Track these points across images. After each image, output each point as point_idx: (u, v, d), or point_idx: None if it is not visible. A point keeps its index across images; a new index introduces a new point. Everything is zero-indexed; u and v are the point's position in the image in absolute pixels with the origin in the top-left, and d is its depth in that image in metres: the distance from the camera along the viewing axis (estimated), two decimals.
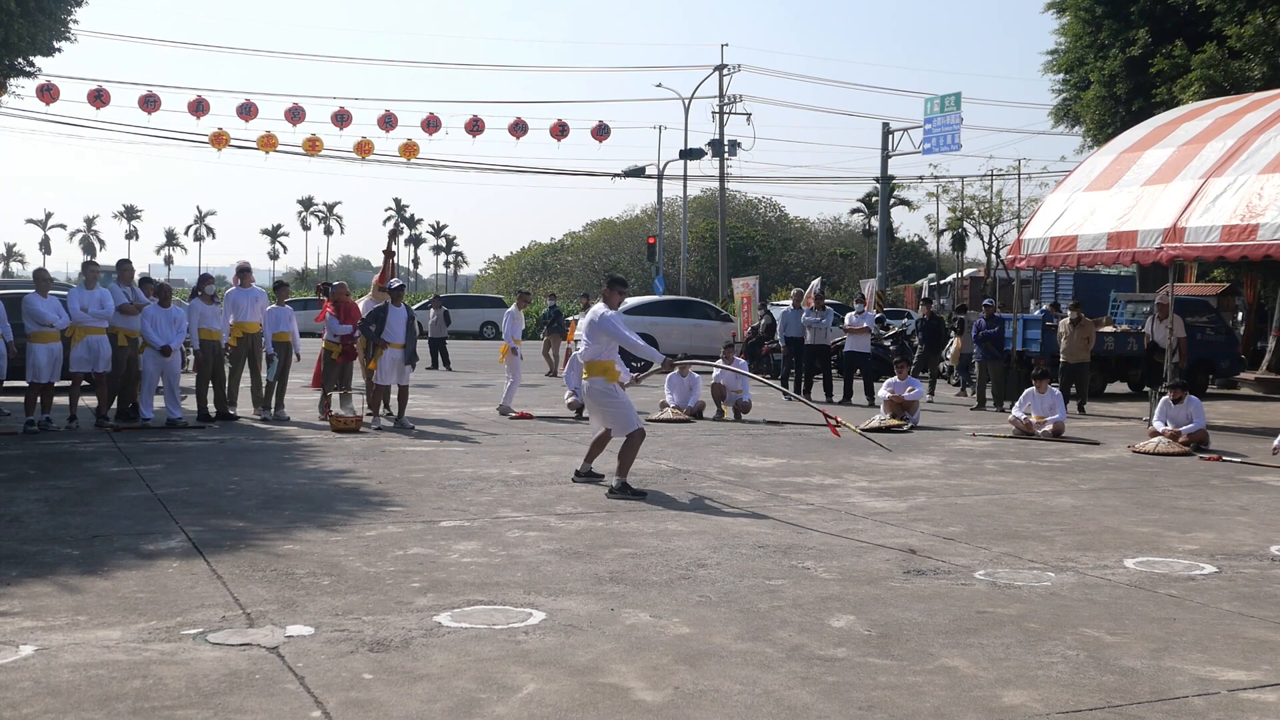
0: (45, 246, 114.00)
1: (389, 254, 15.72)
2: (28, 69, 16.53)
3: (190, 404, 13.64)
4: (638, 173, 46.32)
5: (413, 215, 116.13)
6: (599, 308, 9.12)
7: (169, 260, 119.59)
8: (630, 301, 25.01)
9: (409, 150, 34.22)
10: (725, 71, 44.80)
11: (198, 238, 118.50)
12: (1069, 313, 17.35)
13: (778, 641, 5.02)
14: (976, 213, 51.37)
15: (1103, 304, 26.29)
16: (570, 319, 22.82)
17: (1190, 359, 18.69)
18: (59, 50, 16.03)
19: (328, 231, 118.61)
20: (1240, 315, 27.36)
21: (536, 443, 12.05)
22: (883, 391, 14.81)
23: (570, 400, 15.05)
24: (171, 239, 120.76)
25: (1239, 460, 11.62)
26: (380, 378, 13.49)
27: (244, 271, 14.28)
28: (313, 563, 6.35)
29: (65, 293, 13.26)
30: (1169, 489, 9.71)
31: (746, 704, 4.23)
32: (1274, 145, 14.05)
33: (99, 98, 31.07)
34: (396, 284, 14.18)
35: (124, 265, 13.48)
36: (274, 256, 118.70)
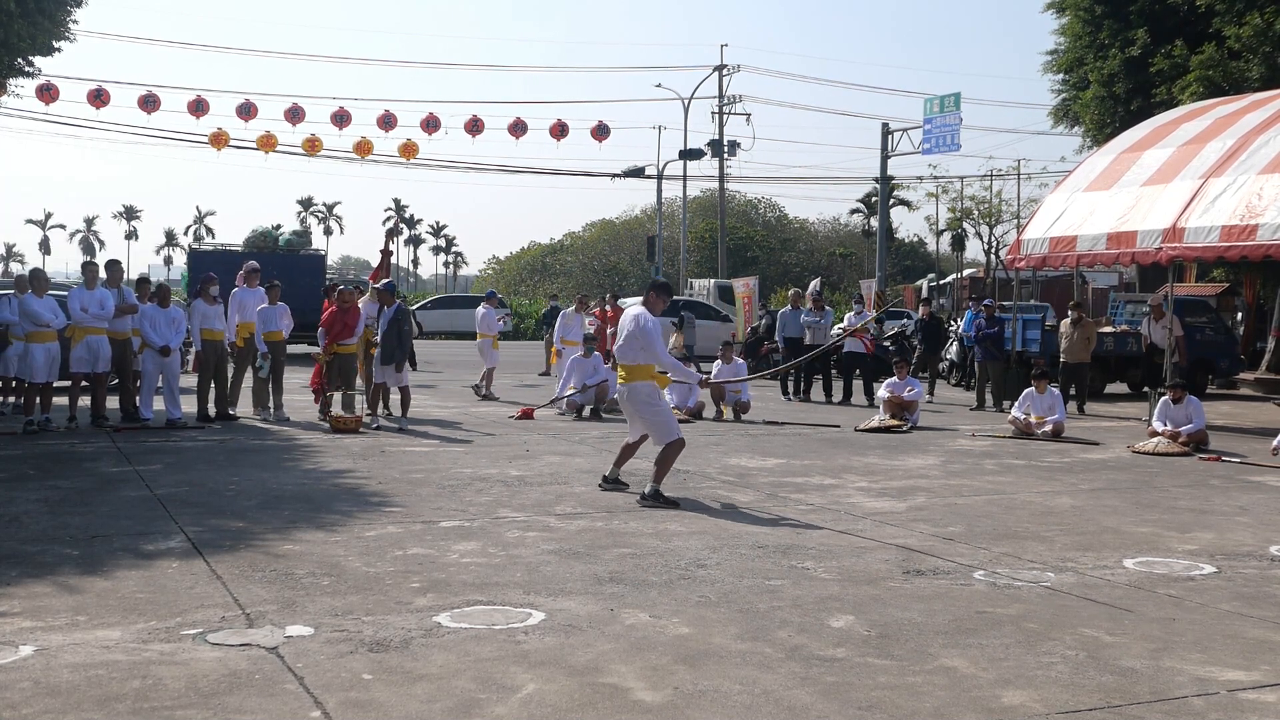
0: (45, 247, 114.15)
1: (386, 253, 15.77)
2: (27, 69, 16.54)
3: (190, 404, 13.64)
4: (637, 173, 46.28)
5: (412, 215, 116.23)
6: (640, 312, 8.73)
7: (168, 260, 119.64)
8: (630, 302, 25.09)
9: (408, 150, 34.19)
10: (725, 72, 44.83)
11: (197, 238, 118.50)
12: (1071, 313, 17.32)
13: (777, 641, 5.02)
14: (976, 213, 51.40)
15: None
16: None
17: (1189, 359, 18.69)
18: (58, 50, 16.03)
19: (327, 232, 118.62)
20: (1240, 315, 27.37)
21: (536, 443, 12.05)
22: (882, 392, 14.82)
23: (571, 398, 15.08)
24: (171, 239, 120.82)
25: (1238, 460, 11.62)
26: (377, 375, 13.54)
27: (252, 272, 14.30)
28: (312, 563, 6.36)
29: (64, 293, 13.25)
30: (1168, 489, 9.72)
31: (746, 704, 4.23)
32: (1273, 145, 14.06)
33: (99, 98, 31.03)
34: (382, 284, 14.18)
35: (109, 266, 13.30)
36: None
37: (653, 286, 9.05)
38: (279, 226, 30.99)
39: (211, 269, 25.37)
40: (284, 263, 26.79)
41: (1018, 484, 9.89)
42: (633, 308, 9.04)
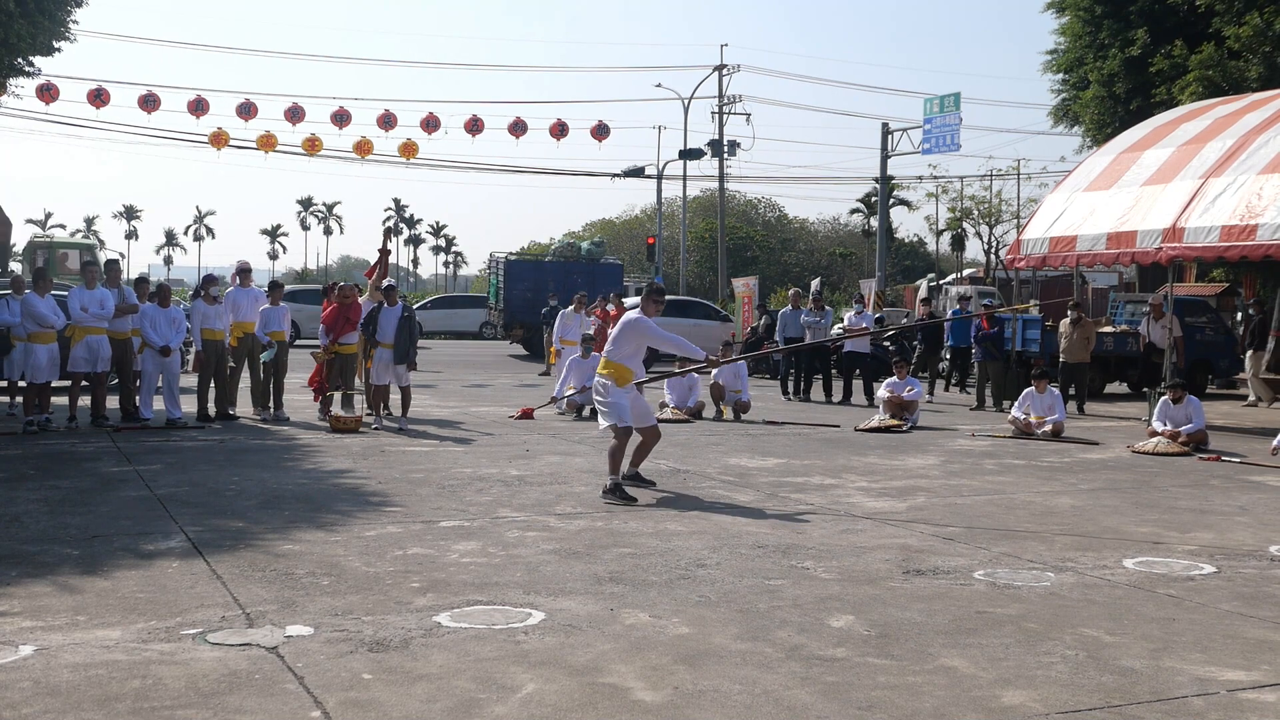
0: None
1: (385, 252, 15.77)
2: (27, 69, 16.54)
3: (190, 404, 13.63)
4: (637, 173, 46.24)
5: (412, 215, 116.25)
6: (638, 314, 9.06)
7: (168, 260, 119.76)
8: (631, 301, 25.17)
9: (408, 150, 34.17)
10: (725, 72, 44.77)
11: (197, 238, 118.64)
12: (1071, 313, 17.31)
13: (777, 641, 5.02)
14: (976, 213, 51.37)
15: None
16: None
17: (1189, 359, 18.68)
18: (59, 50, 16.04)
19: (327, 231, 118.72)
20: (1239, 315, 27.37)
21: (536, 443, 12.05)
22: (882, 392, 14.82)
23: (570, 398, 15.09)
24: (171, 239, 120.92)
25: (1238, 460, 11.62)
26: (376, 377, 13.51)
27: (244, 272, 14.38)
28: (312, 563, 6.36)
29: (65, 293, 13.26)
30: (1168, 489, 9.72)
31: (746, 704, 4.23)
32: (1273, 145, 14.06)
33: (99, 97, 31.04)
34: (386, 284, 14.20)
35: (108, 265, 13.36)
36: (273, 256, 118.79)
37: (649, 290, 9.34)
38: (602, 242, 32.30)
39: (524, 279, 27.77)
40: (587, 271, 29.03)
41: (1018, 484, 9.89)
42: (630, 310, 9.35)
